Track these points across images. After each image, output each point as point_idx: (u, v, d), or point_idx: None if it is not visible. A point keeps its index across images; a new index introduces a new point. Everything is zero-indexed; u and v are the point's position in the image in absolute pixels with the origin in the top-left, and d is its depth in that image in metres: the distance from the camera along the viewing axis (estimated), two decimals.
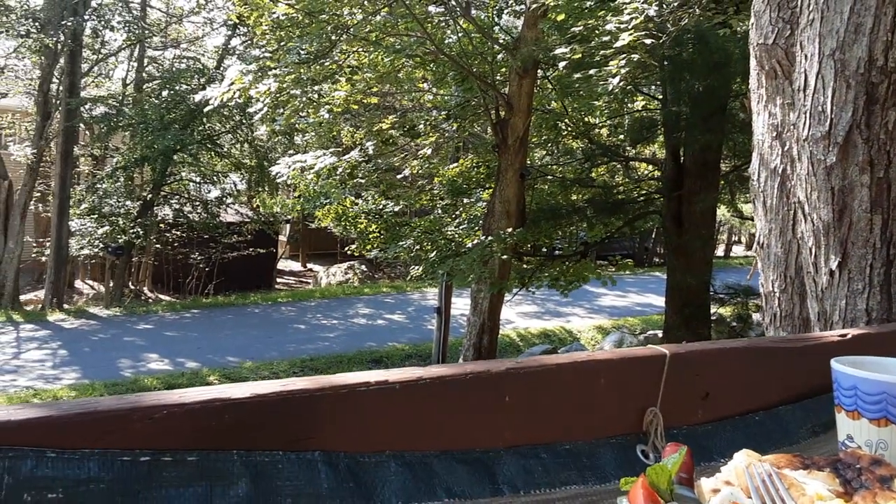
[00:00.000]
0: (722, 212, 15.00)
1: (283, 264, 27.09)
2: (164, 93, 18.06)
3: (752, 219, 15.98)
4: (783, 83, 2.61)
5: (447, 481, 0.83)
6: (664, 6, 5.63)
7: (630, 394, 0.85)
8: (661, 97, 9.88)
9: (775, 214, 2.75)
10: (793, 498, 0.48)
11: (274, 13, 6.80)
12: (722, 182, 10.37)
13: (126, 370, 11.99)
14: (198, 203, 19.44)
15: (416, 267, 8.90)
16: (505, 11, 8.47)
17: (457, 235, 8.86)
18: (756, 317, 13.17)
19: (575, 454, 0.87)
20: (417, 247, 7.83)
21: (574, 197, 10.35)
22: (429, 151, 8.63)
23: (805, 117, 2.26)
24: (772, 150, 2.71)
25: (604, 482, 0.87)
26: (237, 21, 14.66)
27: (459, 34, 7.98)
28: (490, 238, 7.32)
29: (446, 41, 8.09)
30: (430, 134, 8.71)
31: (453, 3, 7.41)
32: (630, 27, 5.52)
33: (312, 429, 0.81)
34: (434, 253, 8.20)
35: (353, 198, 9.16)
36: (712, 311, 10.31)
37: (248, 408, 0.78)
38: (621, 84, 6.67)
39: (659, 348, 0.91)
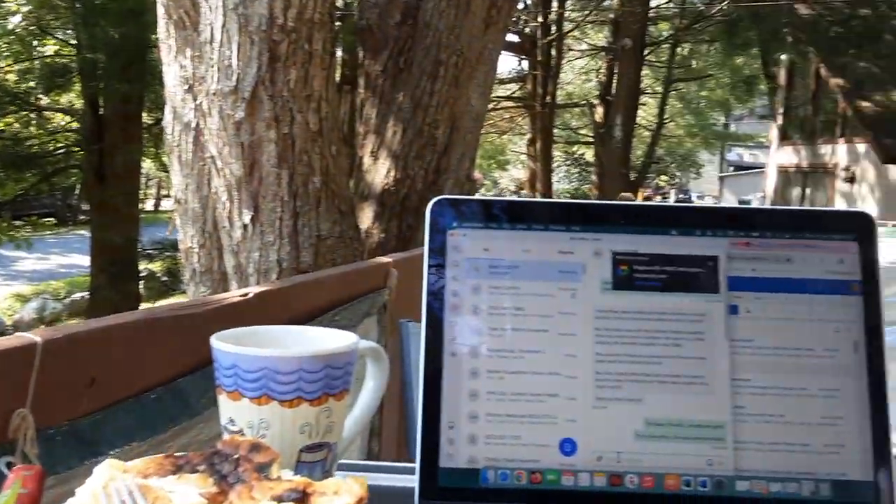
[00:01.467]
0: (148, 165, 14.67)
1: None
2: None
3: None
4: (192, 35, 2.55)
5: None
6: None
7: None
8: (75, 42, 9.10)
9: (191, 169, 2.72)
10: None
11: None
12: (146, 134, 10.09)
13: None
14: None
15: None
16: None
17: None
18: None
19: None
20: None
21: None
22: None
23: (213, 71, 2.24)
24: (184, 103, 2.66)
25: None
26: None
27: None
28: None
29: None
30: None
31: None
32: None
33: None
34: None
35: None
36: (142, 267, 10.05)
37: None
38: (24, 24, 5.90)
39: (28, 336, 0.75)
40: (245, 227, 2.32)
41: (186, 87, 2.63)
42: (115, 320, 0.86)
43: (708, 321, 0.58)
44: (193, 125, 2.63)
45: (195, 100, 2.59)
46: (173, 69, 2.66)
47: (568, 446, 0.56)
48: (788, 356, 0.57)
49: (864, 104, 12.40)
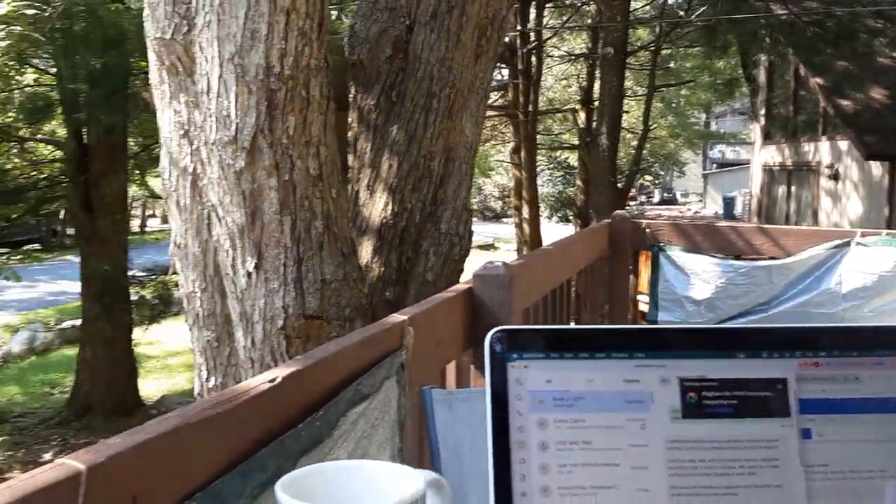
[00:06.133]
0: (134, 189, 14.58)
1: None
2: None
3: (163, 198, 15.94)
4: (185, 80, 2.53)
5: None
6: None
7: None
8: (55, 71, 9.03)
9: (189, 214, 2.69)
10: None
11: None
12: (132, 161, 10.04)
13: None
14: None
15: None
16: None
17: None
18: (178, 294, 13.23)
19: None
20: None
21: None
22: None
23: (211, 121, 2.22)
24: (181, 148, 2.63)
25: None
26: None
27: None
28: None
29: None
30: None
31: None
32: None
33: None
34: None
35: None
36: (133, 292, 9.96)
37: None
38: (3, 58, 5.86)
39: (72, 464, 0.74)
40: (249, 274, 2.30)
41: (182, 132, 2.60)
42: (148, 433, 0.84)
43: (782, 447, 0.57)
44: (190, 170, 2.61)
45: (191, 145, 2.56)
46: (168, 115, 2.63)
47: None
48: (863, 479, 0.57)
49: (844, 102, 12.50)
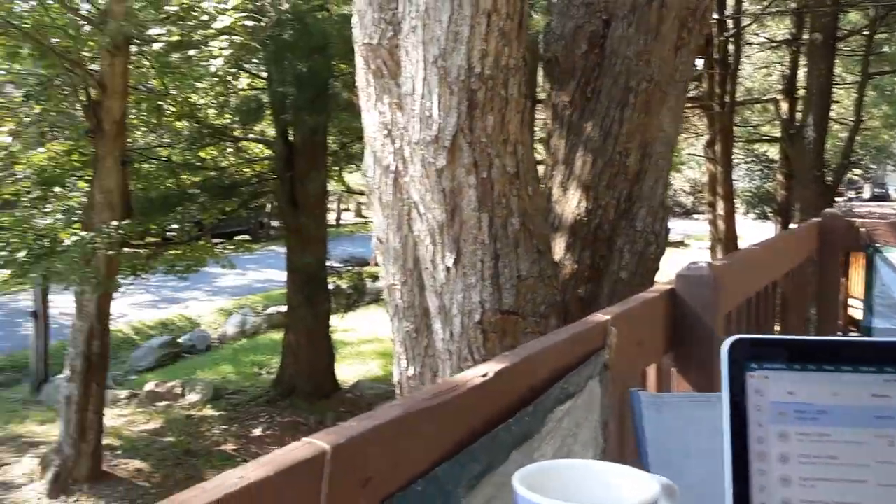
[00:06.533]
0: (331, 185, 15.43)
1: None
2: None
3: (361, 193, 16.78)
4: (390, 83, 2.65)
5: None
6: None
7: None
8: (265, 76, 9.75)
9: (391, 210, 2.82)
10: None
11: None
12: (331, 158, 10.64)
13: None
14: None
15: (2, 271, 7.73)
16: None
17: (49, 230, 7.84)
18: (371, 285, 13.87)
19: None
20: (4, 251, 6.77)
21: (185, 180, 9.83)
22: (8, 139, 7.47)
23: (415, 121, 2.32)
24: (384, 148, 2.76)
25: None
26: None
27: (33, 2, 6.99)
28: (92, 234, 6.60)
29: (16, 10, 7.03)
30: (7, 119, 7.56)
31: None
32: (230, 8, 5.29)
33: None
34: (24, 252, 7.17)
35: None
36: (330, 282, 10.56)
37: None
38: (225, 65, 6.42)
39: (318, 444, 0.80)
40: (448, 269, 2.37)
41: (385, 132, 2.73)
42: (379, 419, 0.90)
43: None
44: (393, 168, 2.73)
45: (394, 144, 2.69)
46: (372, 116, 2.77)
47: None
48: None
49: None
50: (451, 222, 2.34)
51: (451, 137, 2.26)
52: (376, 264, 3.05)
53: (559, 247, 3.11)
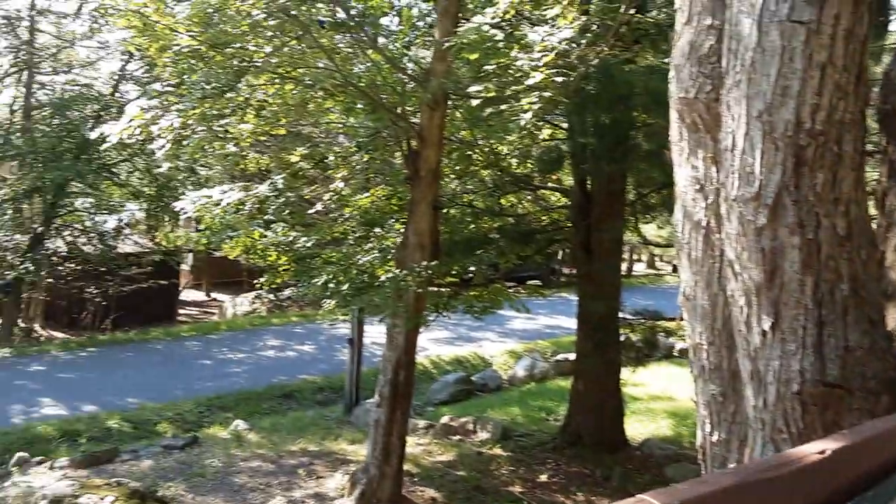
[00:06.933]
0: (626, 235, 15.34)
1: (186, 294, 26.15)
2: (56, 120, 17.16)
3: (656, 244, 16.43)
4: (705, 137, 2.60)
5: None
6: (573, 45, 5.68)
7: None
8: (566, 126, 10.01)
9: (700, 267, 2.74)
10: None
11: (176, 44, 6.52)
12: (628, 208, 10.58)
13: (17, 416, 11.21)
14: (93, 235, 18.51)
15: (329, 301, 8.68)
16: (413, 44, 8.41)
17: (368, 266, 8.69)
18: (664, 340, 13.45)
19: None
20: (332, 283, 7.62)
21: (486, 225, 10.36)
22: (341, 185, 8.45)
23: (734, 177, 2.25)
24: (695, 203, 2.71)
25: None
26: (133, 52, 14.12)
27: (368, 64, 7.87)
28: (404, 272, 7.19)
29: (354, 71, 7.96)
30: (341, 166, 8.55)
31: (361, 34, 7.30)
32: (541, 65, 5.54)
33: None
34: (346, 286, 8.00)
35: (262, 230, 8.88)
36: (621, 333, 10.42)
37: None
38: (532, 119, 6.70)
39: (650, 501, 0.81)
40: (764, 333, 2.25)
41: (697, 187, 2.68)
42: (711, 484, 0.88)
43: None
44: (704, 224, 2.66)
45: (706, 199, 2.62)
46: (685, 170, 2.73)
47: None
48: None
49: None
50: (770, 284, 2.22)
51: (774, 195, 2.16)
52: (681, 319, 2.97)
53: (892, 317, 2.80)
